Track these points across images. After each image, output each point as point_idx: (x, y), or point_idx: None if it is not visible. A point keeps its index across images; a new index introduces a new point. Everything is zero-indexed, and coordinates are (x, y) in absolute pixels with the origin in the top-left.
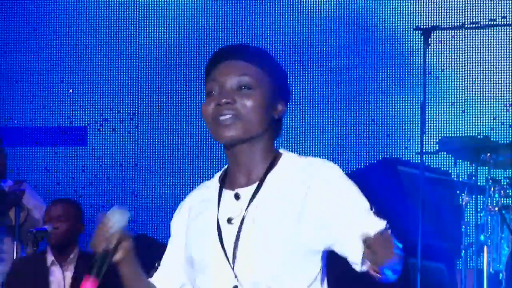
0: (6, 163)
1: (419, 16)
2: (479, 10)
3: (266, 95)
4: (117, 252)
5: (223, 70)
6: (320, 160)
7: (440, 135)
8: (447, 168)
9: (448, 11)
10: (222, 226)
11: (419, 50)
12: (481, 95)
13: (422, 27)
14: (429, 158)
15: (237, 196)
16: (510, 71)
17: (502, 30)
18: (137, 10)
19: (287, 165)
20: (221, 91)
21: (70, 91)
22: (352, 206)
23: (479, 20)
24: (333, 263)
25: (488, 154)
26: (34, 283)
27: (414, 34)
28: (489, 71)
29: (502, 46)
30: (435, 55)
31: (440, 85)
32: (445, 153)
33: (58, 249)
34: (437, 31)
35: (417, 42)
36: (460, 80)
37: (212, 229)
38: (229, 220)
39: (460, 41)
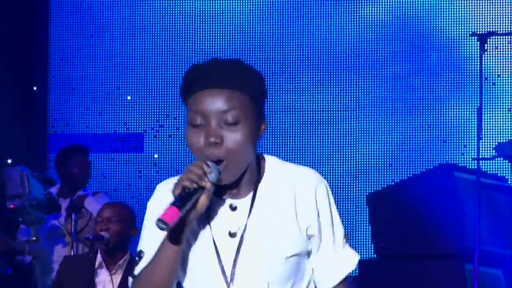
0: (89, 173)
1: (475, 22)
2: None
3: (253, 124)
4: (200, 200)
5: (204, 101)
6: (309, 171)
7: (496, 140)
8: (504, 174)
9: (504, 16)
10: (220, 239)
11: (476, 56)
12: None
13: (478, 32)
14: (486, 164)
15: (233, 207)
16: None
17: None
18: (194, 16)
19: (273, 172)
20: (207, 126)
21: (129, 98)
22: (331, 231)
23: None
24: None
25: None
26: (79, 282)
27: (471, 40)
28: None
29: None
30: (491, 60)
31: (496, 91)
32: (501, 158)
33: (108, 251)
34: (493, 37)
35: (473, 48)
36: None
37: (207, 241)
38: (232, 234)
39: None
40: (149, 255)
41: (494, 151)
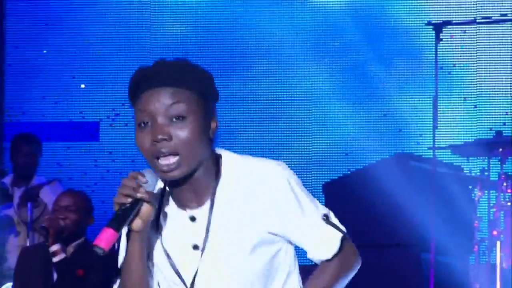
0: (35, 162)
1: (431, 11)
2: (490, 4)
3: (200, 119)
4: (139, 214)
5: (150, 100)
6: (264, 164)
7: (452, 130)
8: (460, 163)
9: (459, 6)
10: (183, 252)
11: (431, 45)
12: (493, 90)
13: (433, 22)
14: (442, 153)
15: (192, 219)
16: None
17: None
18: (149, 5)
19: (231, 171)
20: (154, 124)
21: (82, 86)
22: (306, 218)
23: (491, 15)
24: None
25: (501, 149)
26: (38, 271)
27: (426, 29)
28: (501, 66)
29: None
30: (447, 50)
31: (452, 80)
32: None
33: (63, 239)
34: (449, 26)
35: (429, 37)
36: (472, 75)
37: (164, 254)
38: (195, 247)
39: (472, 36)
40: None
41: (449, 150)
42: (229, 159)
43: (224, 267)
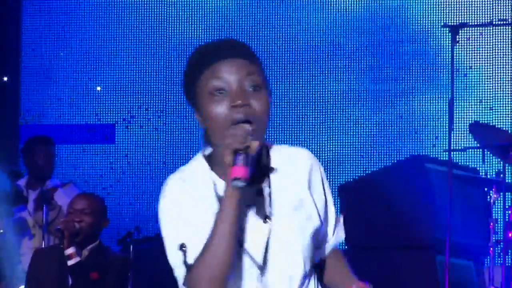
0: (53, 164)
1: (447, 14)
2: (507, 7)
3: (270, 96)
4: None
5: (228, 67)
6: (305, 150)
7: (468, 132)
8: (475, 166)
9: (475, 8)
10: (250, 224)
11: (447, 47)
12: (509, 91)
13: (450, 24)
14: (457, 156)
15: (259, 192)
16: None
17: None
18: (165, 8)
19: (278, 155)
20: (232, 91)
21: (98, 88)
22: (330, 201)
23: (507, 17)
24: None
25: None
26: (52, 273)
27: (442, 32)
28: None
29: None
30: (463, 52)
31: (468, 82)
32: (473, 150)
33: (78, 242)
34: (465, 28)
35: (445, 40)
36: (488, 77)
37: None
38: (265, 219)
39: (488, 38)
40: (193, 243)
41: (467, 129)
42: (272, 144)
43: (292, 234)
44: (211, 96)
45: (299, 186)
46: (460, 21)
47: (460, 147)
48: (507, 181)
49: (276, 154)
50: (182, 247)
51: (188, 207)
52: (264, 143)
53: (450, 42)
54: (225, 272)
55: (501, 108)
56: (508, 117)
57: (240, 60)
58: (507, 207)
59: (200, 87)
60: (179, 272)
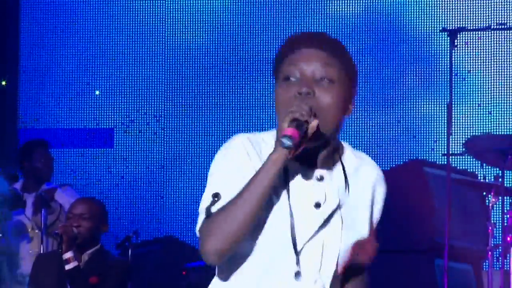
0: (52, 167)
1: (446, 18)
2: (505, 11)
3: (345, 93)
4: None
5: (306, 56)
6: (373, 163)
7: (466, 136)
8: (474, 170)
9: (474, 12)
10: (302, 209)
11: (446, 51)
12: (508, 96)
13: (448, 28)
14: (456, 160)
15: (320, 178)
16: None
17: None
18: (162, 12)
19: (350, 160)
20: (302, 78)
21: (97, 93)
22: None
23: (505, 21)
24: None
25: None
26: (52, 278)
27: (441, 36)
28: None
29: None
30: (461, 56)
31: (466, 86)
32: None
33: (78, 247)
34: (464, 33)
35: (443, 44)
36: (487, 81)
37: (285, 208)
38: (317, 205)
39: (487, 42)
40: (227, 197)
41: (463, 147)
42: (346, 145)
43: (335, 233)
44: (285, 81)
45: (366, 195)
46: (458, 26)
47: (458, 151)
48: (505, 185)
49: (347, 155)
50: (215, 196)
51: (243, 166)
52: (336, 143)
53: (448, 46)
54: (236, 233)
55: (500, 112)
56: (506, 121)
57: (319, 51)
58: (505, 211)
59: (280, 72)
60: (200, 218)
